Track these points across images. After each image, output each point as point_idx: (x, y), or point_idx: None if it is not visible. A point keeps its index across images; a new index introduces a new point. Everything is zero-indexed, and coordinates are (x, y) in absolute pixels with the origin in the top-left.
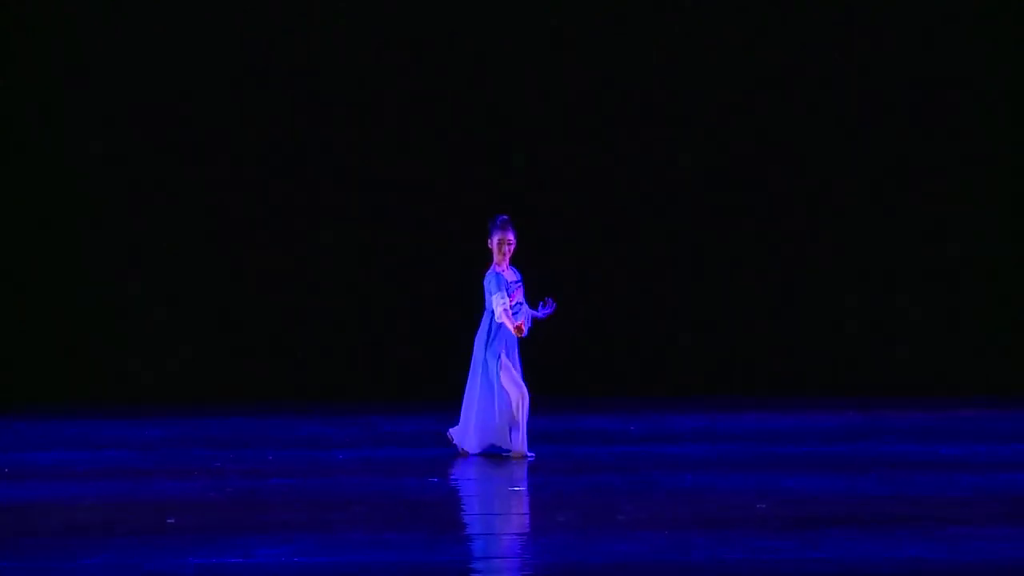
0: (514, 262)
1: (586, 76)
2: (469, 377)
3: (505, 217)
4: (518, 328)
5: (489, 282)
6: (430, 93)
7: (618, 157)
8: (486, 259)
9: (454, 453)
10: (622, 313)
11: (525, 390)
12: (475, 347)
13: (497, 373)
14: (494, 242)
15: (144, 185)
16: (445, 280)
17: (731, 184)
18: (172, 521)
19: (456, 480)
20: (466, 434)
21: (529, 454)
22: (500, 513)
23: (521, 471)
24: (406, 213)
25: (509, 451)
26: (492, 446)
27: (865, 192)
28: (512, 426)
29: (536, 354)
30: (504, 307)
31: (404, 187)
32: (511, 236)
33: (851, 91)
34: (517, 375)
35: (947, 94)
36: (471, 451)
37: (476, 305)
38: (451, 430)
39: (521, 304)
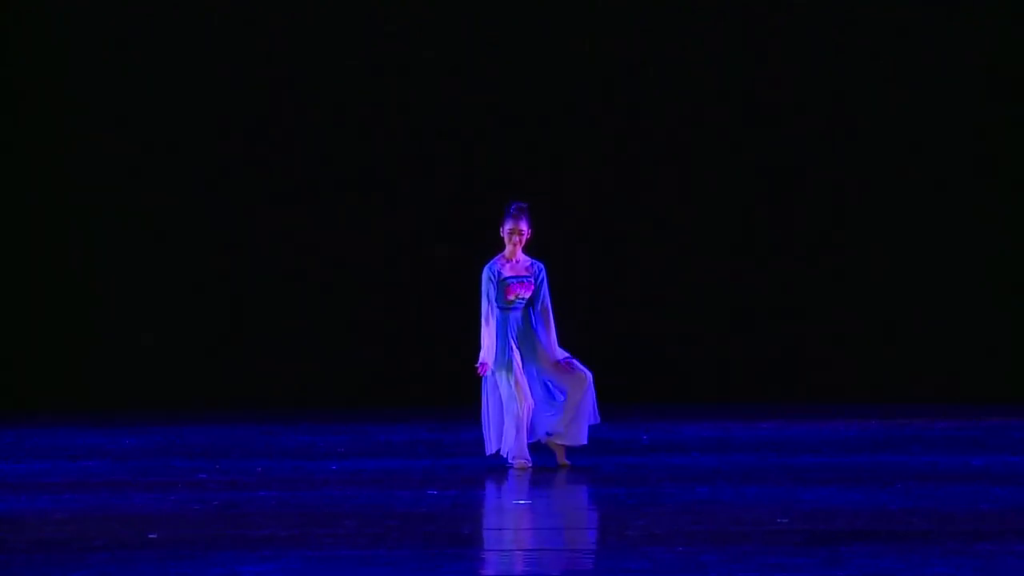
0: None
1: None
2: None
3: (521, 204)
4: (482, 366)
5: (483, 276)
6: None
7: (634, 162)
8: (488, 256)
9: (451, 464)
10: (629, 316)
11: (528, 397)
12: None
13: (507, 383)
14: (505, 230)
15: (125, 188)
16: (444, 283)
17: (748, 190)
18: (154, 536)
19: (454, 493)
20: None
21: (512, 462)
22: (500, 528)
23: (524, 483)
24: (401, 214)
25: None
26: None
27: (886, 196)
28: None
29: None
30: (485, 314)
31: (398, 189)
32: (523, 226)
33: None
34: (523, 383)
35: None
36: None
37: (476, 309)
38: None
39: (523, 300)
